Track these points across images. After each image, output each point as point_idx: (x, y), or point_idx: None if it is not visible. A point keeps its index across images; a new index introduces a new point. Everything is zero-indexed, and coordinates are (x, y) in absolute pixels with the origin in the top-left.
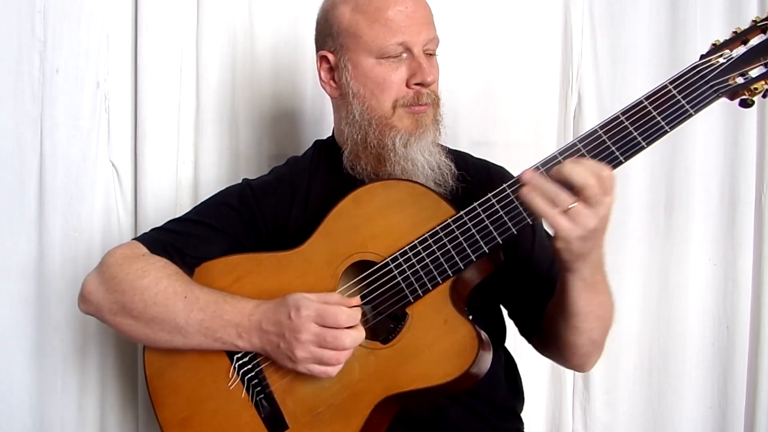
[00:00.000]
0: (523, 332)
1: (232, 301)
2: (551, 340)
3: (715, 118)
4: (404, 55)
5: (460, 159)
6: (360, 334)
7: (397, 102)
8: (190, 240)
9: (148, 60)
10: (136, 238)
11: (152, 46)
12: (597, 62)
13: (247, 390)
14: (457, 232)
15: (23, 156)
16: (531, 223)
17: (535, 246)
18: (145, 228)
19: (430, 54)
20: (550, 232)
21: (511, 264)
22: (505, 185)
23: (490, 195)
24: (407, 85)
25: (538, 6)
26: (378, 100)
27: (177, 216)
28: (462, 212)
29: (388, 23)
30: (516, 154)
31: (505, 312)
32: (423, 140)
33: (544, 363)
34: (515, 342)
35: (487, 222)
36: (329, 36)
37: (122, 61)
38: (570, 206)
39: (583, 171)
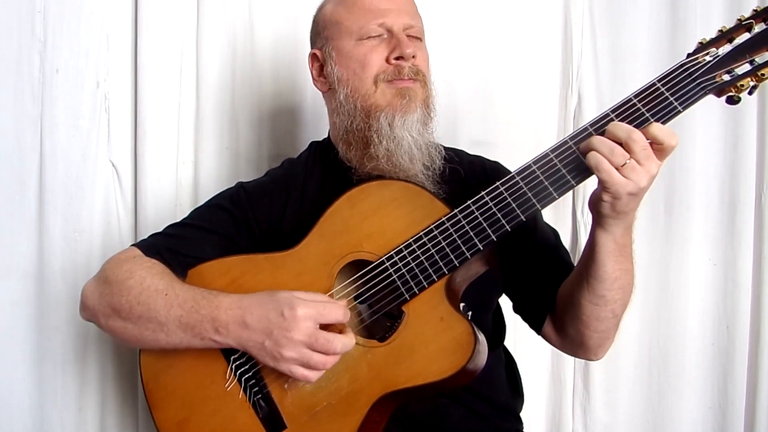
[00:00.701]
0: (533, 322)
1: (210, 296)
2: (569, 320)
3: (714, 119)
4: (385, 35)
5: (455, 155)
6: (350, 340)
7: (378, 77)
8: (184, 242)
9: (148, 60)
10: (133, 244)
11: (152, 46)
12: (597, 62)
13: (245, 391)
14: (451, 230)
15: (23, 156)
16: (524, 220)
17: (537, 231)
18: (145, 228)
19: (415, 38)
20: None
21: (514, 252)
22: (498, 183)
23: (483, 193)
24: (387, 61)
25: (538, 6)
26: (360, 79)
27: (179, 216)
28: (456, 210)
29: (367, 6)
30: (516, 154)
31: (505, 309)
32: (409, 117)
33: (544, 363)
34: (515, 342)
35: (480, 219)
36: (317, 35)
37: (122, 61)
38: (625, 162)
39: (626, 126)
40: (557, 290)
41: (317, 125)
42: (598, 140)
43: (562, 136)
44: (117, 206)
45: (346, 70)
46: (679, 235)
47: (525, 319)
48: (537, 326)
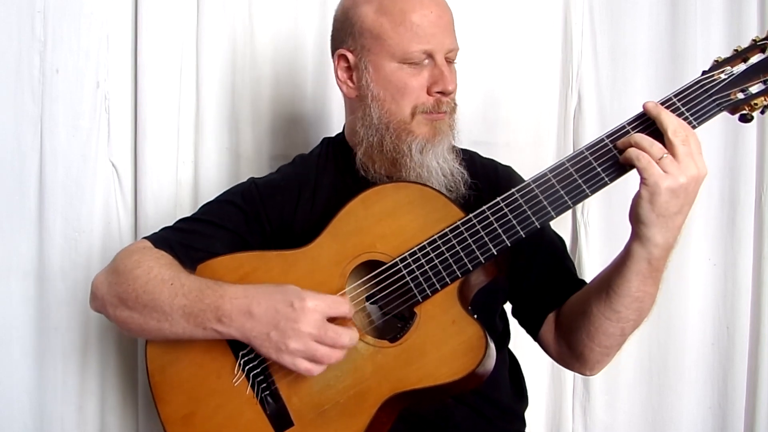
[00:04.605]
0: (529, 327)
1: (215, 286)
2: (574, 328)
3: (715, 119)
4: (426, 61)
5: (468, 158)
6: (356, 334)
7: (417, 108)
8: (195, 236)
9: (148, 60)
10: (145, 237)
11: (152, 46)
12: (597, 62)
13: (252, 386)
14: (465, 234)
15: (23, 156)
16: (539, 227)
17: (544, 237)
18: (145, 228)
19: (450, 61)
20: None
21: (518, 256)
22: (513, 190)
23: (498, 199)
24: (428, 92)
25: (538, 6)
26: (398, 105)
27: (179, 216)
28: (471, 215)
29: (413, 28)
30: (516, 154)
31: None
32: (439, 147)
33: (545, 363)
34: (515, 342)
35: (495, 225)
36: (350, 35)
37: (122, 61)
38: (662, 155)
39: (675, 119)
40: (556, 297)
41: (318, 124)
42: (638, 136)
43: (562, 136)
44: (117, 206)
45: (384, 91)
46: (680, 235)
47: (521, 323)
48: (533, 331)
